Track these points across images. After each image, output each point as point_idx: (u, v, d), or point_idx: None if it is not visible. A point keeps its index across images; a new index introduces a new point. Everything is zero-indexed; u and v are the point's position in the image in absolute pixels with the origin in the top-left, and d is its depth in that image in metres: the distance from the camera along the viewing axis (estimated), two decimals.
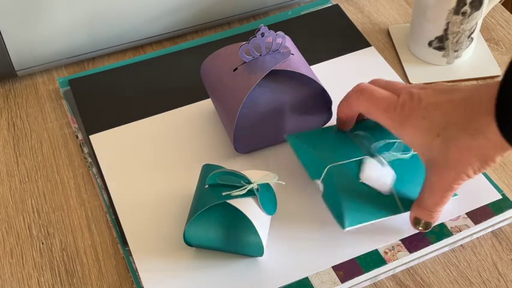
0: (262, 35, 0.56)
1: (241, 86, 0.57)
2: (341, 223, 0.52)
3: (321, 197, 0.54)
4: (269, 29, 0.56)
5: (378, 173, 0.55)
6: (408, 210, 0.53)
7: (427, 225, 0.52)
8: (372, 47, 0.72)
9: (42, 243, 0.56)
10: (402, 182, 0.54)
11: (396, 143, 0.56)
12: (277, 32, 0.57)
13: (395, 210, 0.53)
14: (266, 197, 0.52)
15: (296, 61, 0.59)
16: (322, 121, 0.61)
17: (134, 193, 0.58)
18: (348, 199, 0.53)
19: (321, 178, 0.55)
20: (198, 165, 0.57)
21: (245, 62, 0.57)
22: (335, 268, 0.52)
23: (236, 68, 0.58)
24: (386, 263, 0.52)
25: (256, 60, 0.57)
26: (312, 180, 0.55)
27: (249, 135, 0.59)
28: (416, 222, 0.52)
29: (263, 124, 0.59)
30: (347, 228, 0.52)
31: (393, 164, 0.55)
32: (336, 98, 0.58)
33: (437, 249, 0.54)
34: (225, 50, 0.60)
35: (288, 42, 0.61)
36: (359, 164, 0.55)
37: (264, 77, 0.57)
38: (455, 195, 0.55)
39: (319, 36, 0.73)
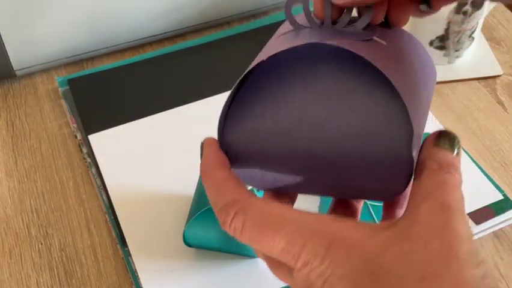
0: None
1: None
2: None
3: (320, 197, 0.54)
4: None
5: None
6: None
7: None
8: None
9: (41, 244, 0.56)
10: None
11: None
12: None
13: None
14: None
15: (386, 55, 0.32)
16: (390, 191, 0.32)
17: (134, 193, 0.58)
18: None
19: None
20: (198, 165, 0.56)
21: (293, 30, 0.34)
22: None
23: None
24: None
25: (312, 30, 0.33)
26: None
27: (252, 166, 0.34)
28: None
29: (289, 161, 0.33)
30: None
31: None
32: None
33: None
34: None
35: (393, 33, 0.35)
36: None
37: (318, 75, 0.32)
38: None
39: None
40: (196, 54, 0.71)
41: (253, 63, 0.32)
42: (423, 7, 0.35)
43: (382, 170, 0.31)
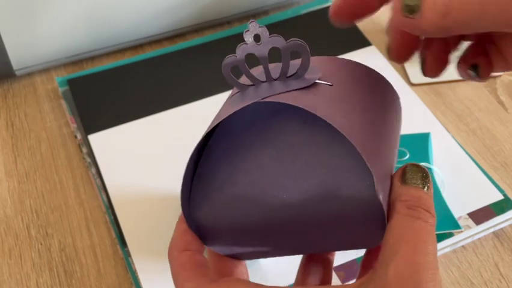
0: (257, 39, 0.32)
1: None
2: None
3: None
4: (270, 32, 0.31)
5: None
6: None
7: None
8: (373, 46, 0.71)
9: (41, 244, 0.56)
10: None
11: None
12: (290, 40, 0.30)
13: None
14: None
15: (334, 98, 0.30)
16: (367, 242, 0.31)
17: (134, 193, 0.58)
18: None
19: None
20: None
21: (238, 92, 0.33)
22: (336, 269, 0.52)
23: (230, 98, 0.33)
24: None
25: (256, 87, 0.32)
26: None
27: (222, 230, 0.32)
28: None
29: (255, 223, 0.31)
30: None
31: None
32: None
33: (438, 250, 0.54)
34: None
35: (323, 63, 0.33)
36: None
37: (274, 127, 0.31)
38: None
39: (319, 36, 0.73)
40: (196, 54, 0.71)
41: (203, 134, 0.31)
42: (471, 73, 0.33)
43: (355, 221, 0.29)
